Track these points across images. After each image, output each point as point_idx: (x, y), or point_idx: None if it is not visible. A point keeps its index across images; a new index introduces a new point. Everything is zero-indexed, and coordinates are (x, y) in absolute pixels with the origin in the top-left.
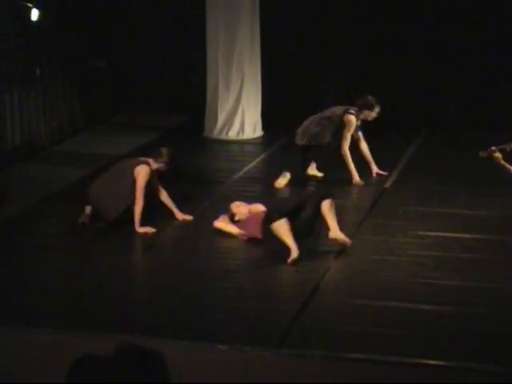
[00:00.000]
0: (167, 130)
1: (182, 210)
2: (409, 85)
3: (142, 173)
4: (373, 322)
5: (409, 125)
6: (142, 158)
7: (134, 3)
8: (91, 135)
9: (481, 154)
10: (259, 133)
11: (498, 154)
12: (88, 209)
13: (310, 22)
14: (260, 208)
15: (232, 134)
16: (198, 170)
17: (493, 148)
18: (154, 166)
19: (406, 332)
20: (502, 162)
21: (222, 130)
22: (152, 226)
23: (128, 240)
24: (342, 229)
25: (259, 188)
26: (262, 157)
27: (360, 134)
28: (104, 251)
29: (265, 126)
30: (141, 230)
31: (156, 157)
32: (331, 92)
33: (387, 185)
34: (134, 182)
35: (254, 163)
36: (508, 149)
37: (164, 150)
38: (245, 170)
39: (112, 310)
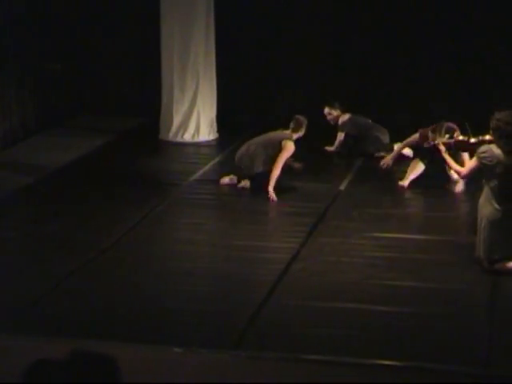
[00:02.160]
0: (122, 133)
1: (137, 213)
2: (362, 86)
3: (288, 148)
4: (329, 323)
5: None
6: (287, 132)
7: (89, 5)
8: (44, 138)
9: (425, 144)
10: (214, 135)
11: (442, 147)
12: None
13: (265, 25)
14: None
15: (187, 137)
16: (154, 172)
17: (438, 141)
18: (294, 137)
19: (362, 333)
20: (445, 154)
21: (177, 133)
22: (115, 225)
23: (84, 242)
24: (295, 231)
25: (215, 190)
26: (217, 159)
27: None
28: (58, 253)
29: (220, 129)
30: (271, 191)
31: (296, 128)
32: (286, 95)
33: (342, 187)
34: (279, 151)
35: (209, 166)
36: (452, 144)
37: (301, 120)
38: (200, 172)
39: (66, 314)
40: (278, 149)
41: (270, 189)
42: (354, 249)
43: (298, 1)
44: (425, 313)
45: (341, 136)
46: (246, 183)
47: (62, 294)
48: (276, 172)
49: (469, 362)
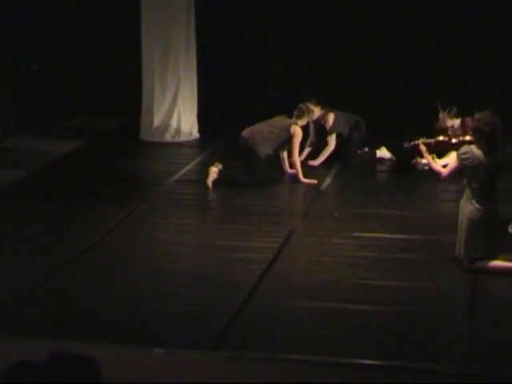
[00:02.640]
0: (103, 133)
1: (118, 213)
2: (345, 85)
3: (298, 134)
4: (310, 323)
5: None
6: (291, 119)
7: (68, 4)
8: (23, 139)
9: (406, 144)
10: (195, 135)
11: (422, 147)
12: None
13: (245, 25)
14: None
15: (168, 137)
16: (134, 172)
17: (418, 141)
18: (299, 124)
19: (343, 332)
20: (426, 154)
21: (157, 133)
22: (96, 226)
23: (65, 242)
24: (276, 230)
25: (196, 191)
26: (198, 159)
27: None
28: (39, 254)
29: (201, 129)
30: (305, 180)
31: (299, 116)
32: (267, 95)
33: (323, 187)
34: (289, 137)
35: (190, 166)
36: (433, 144)
37: (305, 108)
38: (181, 172)
39: (47, 315)
40: (286, 133)
41: (303, 179)
42: (334, 248)
43: (277, 1)
44: (405, 312)
45: (332, 138)
46: (216, 168)
47: (43, 294)
48: (297, 161)
49: (449, 361)
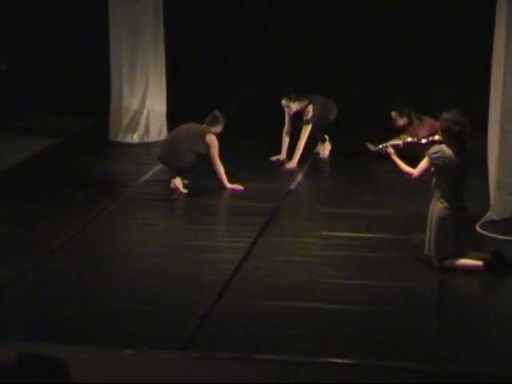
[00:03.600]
0: (71, 134)
1: (87, 214)
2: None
3: (214, 142)
4: (280, 322)
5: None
6: (205, 126)
7: (37, 3)
8: None
9: (372, 147)
10: (164, 135)
11: (390, 150)
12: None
13: (214, 24)
14: None
15: (137, 137)
16: (103, 173)
17: (385, 144)
18: (213, 131)
19: (314, 332)
20: (394, 156)
21: (126, 133)
22: (65, 227)
23: (33, 244)
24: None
25: (165, 191)
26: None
27: None
28: (7, 255)
29: (170, 129)
30: (230, 186)
31: (212, 123)
32: (237, 94)
33: (292, 186)
34: (200, 144)
35: (159, 166)
36: (401, 145)
37: (219, 115)
38: (150, 173)
39: (15, 317)
40: (200, 142)
41: (228, 185)
42: (304, 248)
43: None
44: (375, 310)
45: (306, 131)
46: (179, 184)
47: (12, 296)
48: (220, 168)
49: (419, 358)
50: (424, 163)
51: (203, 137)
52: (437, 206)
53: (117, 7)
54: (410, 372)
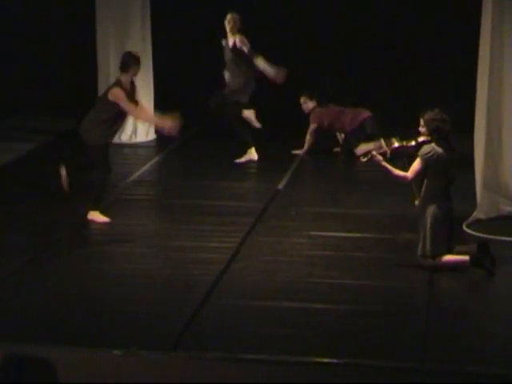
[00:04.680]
0: (58, 135)
1: (73, 214)
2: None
3: (116, 93)
4: (268, 322)
5: (302, 126)
6: (115, 81)
7: (24, 4)
8: None
9: (362, 158)
10: (152, 136)
11: (379, 157)
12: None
13: (202, 25)
14: None
15: (125, 138)
16: (90, 174)
17: (373, 152)
18: (125, 79)
19: (302, 332)
20: (383, 163)
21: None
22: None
23: (20, 244)
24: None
25: (152, 192)
26: (155, 160)
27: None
28: None
29: (157, 130)
30: (167, 123)
31: (122, 69)
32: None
33: (280, 186)
34: (114, 105)
35: (146, 167)
36: (388, 151)
37: (126, 57)
38: (138, 173)
39: (2, 317)
40: (105, 105)
41: (163, 122)
42: (292, 248)
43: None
44: (363, 310)
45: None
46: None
47: None
48: (142, 114)
49: (406, 358)
50: (417, 164)
51: (106, 98)
52: (430, 207)
53: (104, 8)
54: (398, 372)
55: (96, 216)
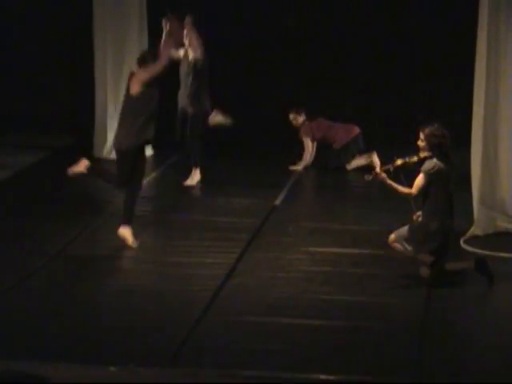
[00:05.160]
0: (55, 150)
1: (72, 228)
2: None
3: (135, 76)
4: (265, 339)
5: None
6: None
7: (18, 20)
8: None
9: (366, 177)
10: (150, 151)
11: (383, 175)
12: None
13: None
14: None
15: None
16: (88, 189)
17: (377, 170)
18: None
19: (298, 348)
20: (388, 181)
21: (111, 149)
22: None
23: (17, 261)
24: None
25: (149, 207)
26: (153, 175)
27: None
28: None
29: (155, 145)
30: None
31: (143, 63)
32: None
33: (277, 202)
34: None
35: (144, 182)
36: (391, 169)
37: (145, 53)
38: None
39: None
40: (132, 99)
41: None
42: (289, 264)
43: (231, 8)
44: (359, 326)
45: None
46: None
47: None
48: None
49: (402, 375)
50: (421, 180)
51: (130, 92)
52: (432, 222)
53: (101, 21)
54: None
55: (127, 234)
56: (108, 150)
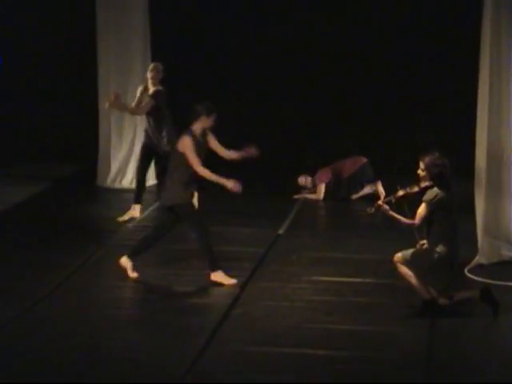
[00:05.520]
0: (59, 180)
1: (75, 258)
2: (293, 126)
3: (185, 143)
4: (269, 368)
5: (301, 169)
6: (186, 131)
7: (20, 45)
8: None
9: (368, 210)
10: (152, 181)
11: (385, 207)
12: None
13: (203, 66)
14: None
15: (125, 183)
16: (91, 219)
17: (379, 202)
18: (198, 128)
19: (302, 378)
20: (391, 212)
21: (115, 179)
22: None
23: (19, 291)
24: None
25: None
26: (155, 205)
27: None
28: None
29: (158, 174)
30: (230, 184)
31: (195, 119)
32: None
33: (281, 231)
34: (182, 156)
35: (147, 212)
36: (393, 200)
37: (199, 107)
38: (138, 218)
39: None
40: (177, 159)
41: (226, 182)
42: (293, 293)
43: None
44: (363, 356)
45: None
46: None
47: None
48: (205, 171)
49: None
50: (423, 210)
51: (177, 151)
52: (437, 250)
53: (105, 52)
54: None
55: (221, 277)
56: (111, 179)
